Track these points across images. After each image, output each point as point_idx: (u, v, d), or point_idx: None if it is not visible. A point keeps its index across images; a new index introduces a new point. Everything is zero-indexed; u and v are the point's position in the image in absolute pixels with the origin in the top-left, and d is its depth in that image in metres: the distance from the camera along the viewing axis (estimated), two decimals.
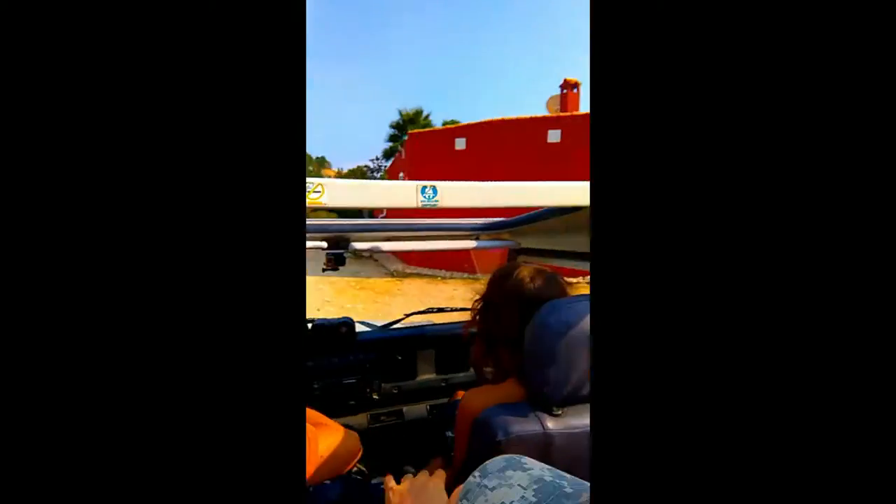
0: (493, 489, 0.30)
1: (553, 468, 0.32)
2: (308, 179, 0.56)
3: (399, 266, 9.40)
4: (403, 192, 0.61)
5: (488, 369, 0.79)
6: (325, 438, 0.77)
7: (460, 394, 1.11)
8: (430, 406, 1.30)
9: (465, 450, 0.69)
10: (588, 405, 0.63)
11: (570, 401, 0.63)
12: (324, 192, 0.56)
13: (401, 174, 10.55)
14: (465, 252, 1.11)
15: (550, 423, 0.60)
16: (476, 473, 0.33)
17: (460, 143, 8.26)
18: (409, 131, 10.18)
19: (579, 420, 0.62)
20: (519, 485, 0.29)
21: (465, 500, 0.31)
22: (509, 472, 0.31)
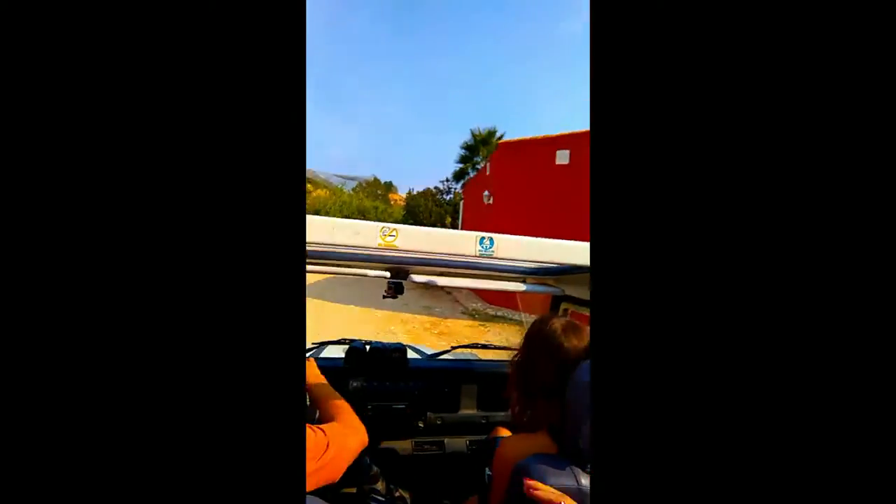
0: None
1: None
2: (385, 225, 0.65)
3: (478, 304, 8.00)
4: (463, 242, 0.68)
5: (524, 418, 0.80)
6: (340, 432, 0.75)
7: (500, 430, 1.13)
8: (470, 441, 1.32)
9: (502, 493, 0.71)
10: None
11: None
12: (398, 236, 0.65)
13: (486, 193, 8.43)
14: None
15: (584, 480, 0.62)
16: None
17: (562, 157, 6.37)
18: (500, 142, 8.06)
19: None
20: None
21: None
22: None
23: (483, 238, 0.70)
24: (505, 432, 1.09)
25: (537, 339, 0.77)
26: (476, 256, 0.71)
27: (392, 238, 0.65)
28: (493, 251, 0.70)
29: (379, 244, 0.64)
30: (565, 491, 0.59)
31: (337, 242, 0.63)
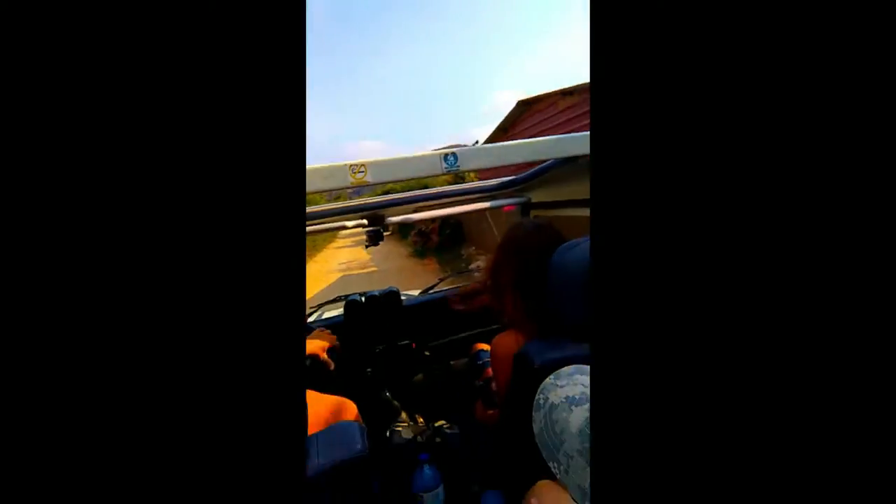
0: (562, 387, 0.38)
1: None
2: (353, 162, 0.68)
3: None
4: (430, 162, 0.72)
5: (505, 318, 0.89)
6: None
7: (478, 345, 1.24)
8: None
9: (506, 382, 0.80)
10: None
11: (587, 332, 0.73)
12: (367, 171, 0.68)
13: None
14: None
15: (573, 349, 0.70)
16: (551, 377, 0.40)
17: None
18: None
19: None
20: (581, 384, 0.38)
21: (541, 394, 0.39)
22: (577, 376, 0.39)
23: (447, 155, 0.74)
24: (482, 346, 1.21)
25: (505, 241, 0.85)
26: (443, 174, 0.75)
27: (362, 174, 0.68)
28: (458, 165, 0.74)
29: (351, 182, 0.67)
30: (560, 362, 0.63)
31: (311, 189, 0.65)
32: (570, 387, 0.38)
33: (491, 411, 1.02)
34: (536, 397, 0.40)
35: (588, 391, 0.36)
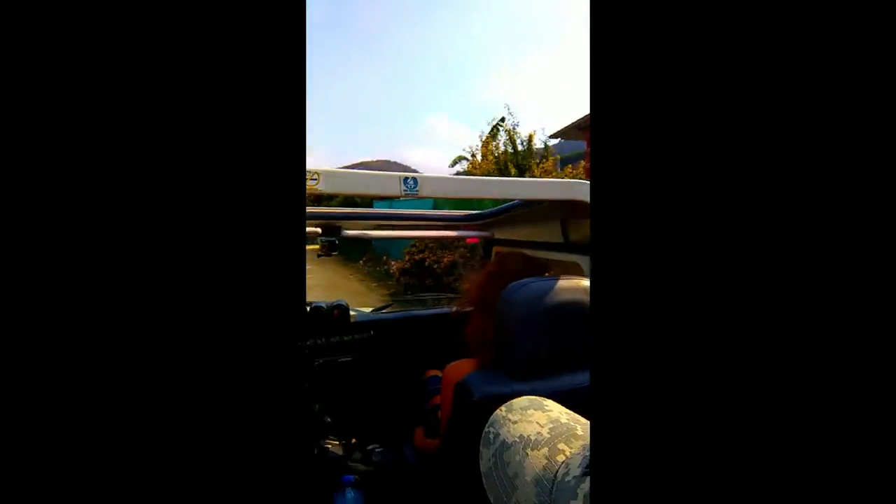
0: (515, 423, 0.34)
1: (571, 413, 0.35)
2: (308, 168, 0.65)
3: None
4: (388, 182, 0.70)
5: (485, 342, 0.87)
6: None
7: (429, 372, 1.22)
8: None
9: (448, 410, 0.77)
10: (553, 376, 0.71)
11: (535, 367, 0.71)
12: (319, 179, 0.65)
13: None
14: None
15: (516, 386, 0.69)
16: (503, 408, 0.36)
17: None
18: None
19: (543, 385, 0.70)
20: (537, 422, 0.34)
21: (490, 428, 0.35)
22: (531, 412, 0.35)
23: (407, 178, 0.72)
24: (434, 372, 1.19)
25: (494, 267, 0.85)
26: (402, 196, 0.73)
27: (314, 182, 0.65)
28: (417, 190, 0.72)
29: None
30: (500, 396, 0.64)
31: None
32: (524, 424, 0.34)
33: (431, 441, 0.98)
34: (486, 430, 0.36)
35: (545, 432, 0.33)
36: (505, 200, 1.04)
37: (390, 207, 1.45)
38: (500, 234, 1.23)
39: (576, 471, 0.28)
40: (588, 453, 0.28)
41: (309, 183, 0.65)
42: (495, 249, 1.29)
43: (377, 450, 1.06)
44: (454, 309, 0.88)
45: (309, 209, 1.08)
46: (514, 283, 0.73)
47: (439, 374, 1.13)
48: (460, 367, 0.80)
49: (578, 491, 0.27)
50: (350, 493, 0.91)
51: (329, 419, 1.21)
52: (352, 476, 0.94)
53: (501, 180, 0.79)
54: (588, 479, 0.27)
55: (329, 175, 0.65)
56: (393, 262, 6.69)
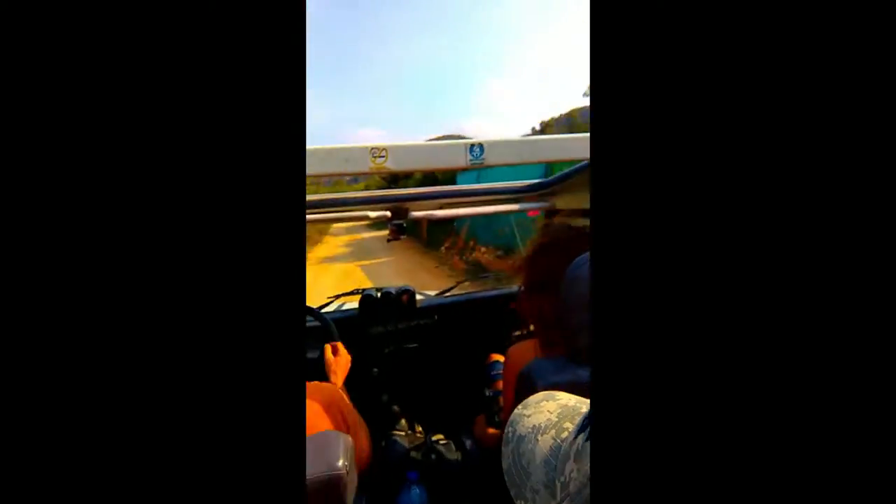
0: (529, 416, 0.36)
1: (582, 398, 0.36)
2: (374, 145, 0.66)
3: None
4: (454, 153, 0.69)
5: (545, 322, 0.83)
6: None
7: (492, 356, 1.18)
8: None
9: (511, 399, 0.75)
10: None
11: None
12: (387, 155, 0.65)
13: None
14: None
15: (583, 372, 0.64)
16: (520, 406, 0.38)
17: None
18: None
19: None
20: (548, 410, 0.35)
21: (509, 427, 0.37)
22: (543, 403, 0.37)
23: (473, 146, 0.70)
24: (497, 357, 1.15)
25: (543, 241, 0.80)
26: (467, 166, 0.72)
27: (382, 159, 0.66)
28: (483, 158, 0.71)
29: (370, 167, 0.65)
30: (564, 385, 0.60)
31: (330, 171, 0.63)
32: (537, 415, 0.35)
33: (492, 430, 0.96)
34: (506, 430, 0.37)
35: (554, 417, 0.33)
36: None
37: (477, 182, 1.43)
38: (561, 204, 1.18)
39: (571, 436, 0.29)
40: (585, 420, 0.28)
41: (378, 161, 0.66)
42: (556, 220, 1.24)
43: (441, 442, 1.06)
44: (521, 287, 0.84)
45: (371, 193, 1.10)
46: (579, 258, 0.68)
47: (501, 358, 1.11)
48: (523, 352, 0.76)
49: (571, 451, 0.27)
50: (415, 490, 0.91)
51: (396, 408, 1.24)
52: (416, 473, 0.94)
53: (567, 138, 0.75)
54: (581, 436, 0.27)
55: (396, 150, 0.66)
56: (482, 249, 5.47)
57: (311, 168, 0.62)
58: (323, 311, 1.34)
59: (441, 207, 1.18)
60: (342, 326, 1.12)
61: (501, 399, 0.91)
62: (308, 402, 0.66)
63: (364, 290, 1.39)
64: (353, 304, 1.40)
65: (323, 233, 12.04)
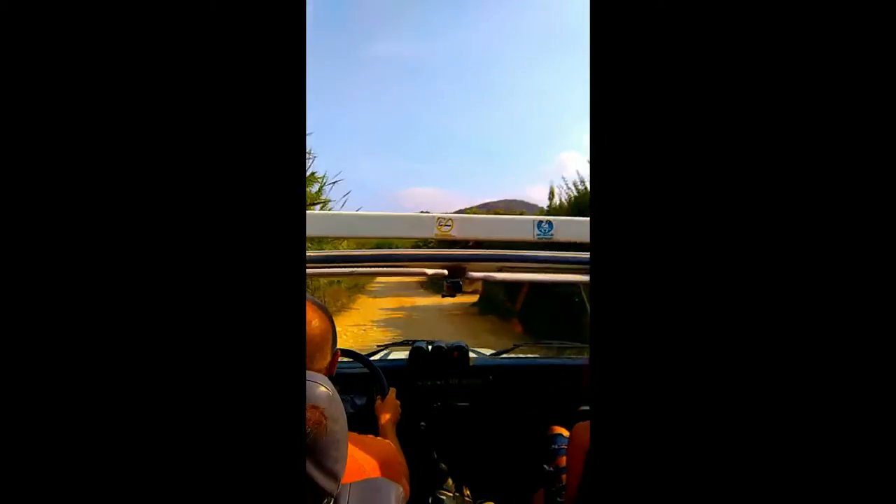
0: None
1: None
2: (440, 215, 0.66)
3: None
4: (521, 226, 0.67)
5: None
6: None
7: (555, 428, 1.10)
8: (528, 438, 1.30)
9: (577, 479, 0.69)
10: None
11: None
12: (453, 225, 0.65)
13: None
14: None
15: None
16: None
17: None
18: None
19: None
20: None
21: None
22: None
23: (541, 222, 0.68)
24: (560, 430, 1.07)
25: None
26: (534, 240, 0.69)
27: (448, 228, 0.66)
28: (552, 234, 0.68)
29: (436, 234, 0.65)
30: None
31: (396, 235, 0.65)
32: None
33: None
34: None
35: None
36: None
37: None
38: None
39: None
40: None
41: (443, 229, 0.66)
42: None
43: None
44: (587, 361, 0.79)
45: (432, 251, 1.11)
46: None
47: (565, 432, 1.02)
48: (588, 431, 0.71)
49: None
50: None
51: (444, 466, 1.17)
52: None
53: None
54: None
55: (462, 221, 0.66)
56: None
57: (378, 232, 0.63)
58: (371, 358, 1.33)
59: (500, 270, 1.15)
60: (390, 375, 1.10)
61: (564, 476, 0.83)
62: (365, 457, 0.63)
63: (415, 341, 1.37)
64: (401, 353, 1.38)
65: (356, 291, 7.84)
